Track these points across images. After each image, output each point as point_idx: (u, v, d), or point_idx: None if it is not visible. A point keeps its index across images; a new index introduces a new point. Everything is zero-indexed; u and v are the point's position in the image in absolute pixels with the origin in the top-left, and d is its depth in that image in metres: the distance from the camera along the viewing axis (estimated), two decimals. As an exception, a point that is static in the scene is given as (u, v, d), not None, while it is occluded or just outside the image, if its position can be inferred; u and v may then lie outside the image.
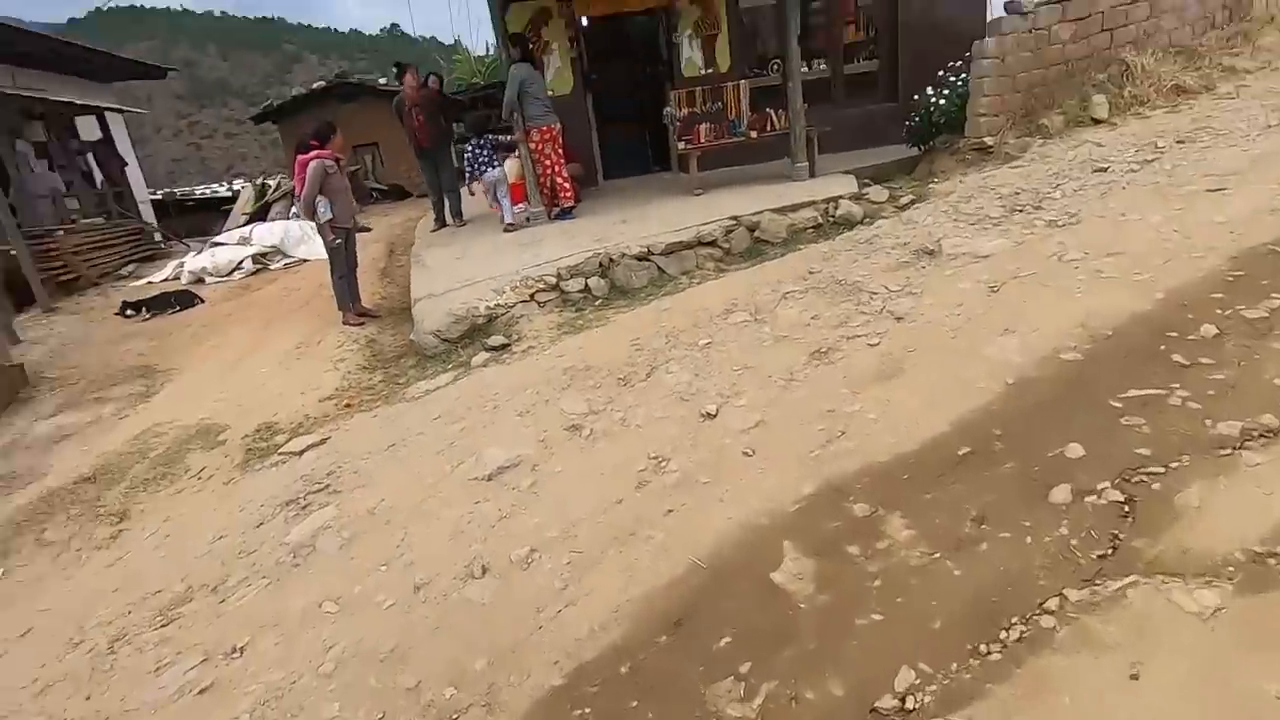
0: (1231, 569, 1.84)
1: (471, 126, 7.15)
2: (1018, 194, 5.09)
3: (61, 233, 8.85)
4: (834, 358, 3.54)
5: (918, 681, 1.81)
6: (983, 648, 1.84)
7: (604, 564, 2.53)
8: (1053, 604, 1.90)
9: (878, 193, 6.15)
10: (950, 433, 2.71)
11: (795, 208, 5.93)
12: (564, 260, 5.49)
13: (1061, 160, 5.59)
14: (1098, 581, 1.93)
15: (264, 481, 3.82)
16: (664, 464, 3.03)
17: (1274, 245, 3.41)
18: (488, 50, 17.56)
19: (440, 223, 7.81)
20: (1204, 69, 6.68)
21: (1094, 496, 2.20)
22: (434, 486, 3.28)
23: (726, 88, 7.07)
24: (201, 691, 2.44)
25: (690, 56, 8.03)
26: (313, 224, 6.28)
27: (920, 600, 2.03)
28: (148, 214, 14.43)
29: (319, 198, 5.79)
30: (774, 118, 6.99)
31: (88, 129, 13.22)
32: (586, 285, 5.36)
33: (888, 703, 1.78)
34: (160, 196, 17.60)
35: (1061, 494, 2.24)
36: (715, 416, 3.28)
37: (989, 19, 7.34)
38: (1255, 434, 2.28)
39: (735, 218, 5.80)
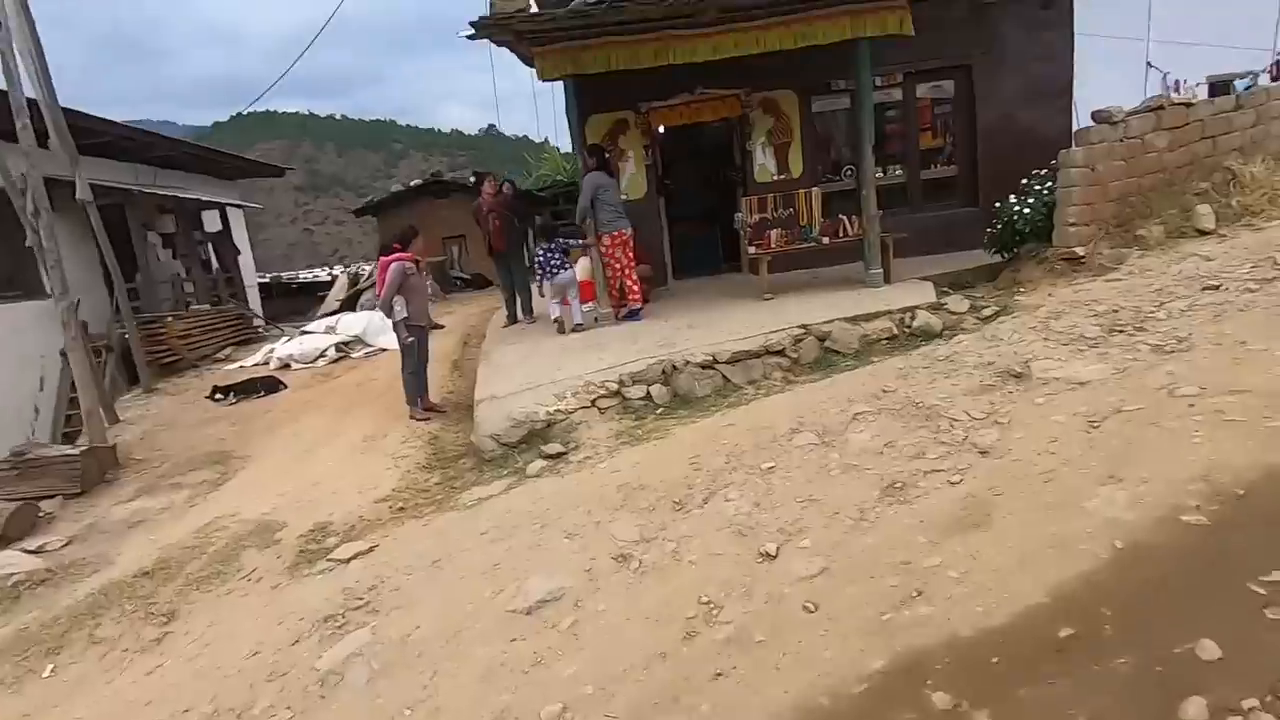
0: None
1: (541, 232, 7.39)
2: (1116, 312, 4.70)
3: (170, 319, 9.59)
4: (909, 495, 3.22)
5: None
6: None
7: (641, 736, 2.25)
8: None
9: (957, 302, 5.86)
10: (1049, 606, 2.33)
11: (869, 317, 5.70)
12: (627, 366, 5.41)
13: (1164, 275, 5.17)
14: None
15: (308, 590, 3.75)
16: (716, 612, 2.76)
17: None
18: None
19: (512, 319, 7.99)
20: (1324, 178, 6.18)
21: (1239, 718, 1.79)
22: (472, 615, 3.10)
23: (798, 194, 7.06)
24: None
25: (763, 163, 8.14)
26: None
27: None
28: (254, 297, 15.63)
29: (396, 297, 6.03)
30: (846, 224, 6.89)
31: (211, 221, 14.65)
32: (649, 392, 5.24)
33: None
34: (267, 280, 19.13)
35: (1196, 709, 1.84)
36: (775, 558, 3.00)
37: (1075, 127, 7.15)
38: None
39: (805, 326, 5.61)
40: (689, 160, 9.16)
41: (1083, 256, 5.94)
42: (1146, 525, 2.56)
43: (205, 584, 4.09)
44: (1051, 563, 2.52)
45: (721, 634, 2.63)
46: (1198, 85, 9.22)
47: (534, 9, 6.37)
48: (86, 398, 6.38)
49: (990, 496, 3.03)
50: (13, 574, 4.49)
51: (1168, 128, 6.13)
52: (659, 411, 5.13)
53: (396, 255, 6.13)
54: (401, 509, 4.61)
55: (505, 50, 6.82)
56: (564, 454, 4.72)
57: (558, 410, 5.10)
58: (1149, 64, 9.06)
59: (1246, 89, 7.75)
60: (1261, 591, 2.15)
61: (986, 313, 5.63)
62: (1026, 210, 6.40)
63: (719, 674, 2.44)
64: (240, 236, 15.97)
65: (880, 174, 7.70)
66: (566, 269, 7.02)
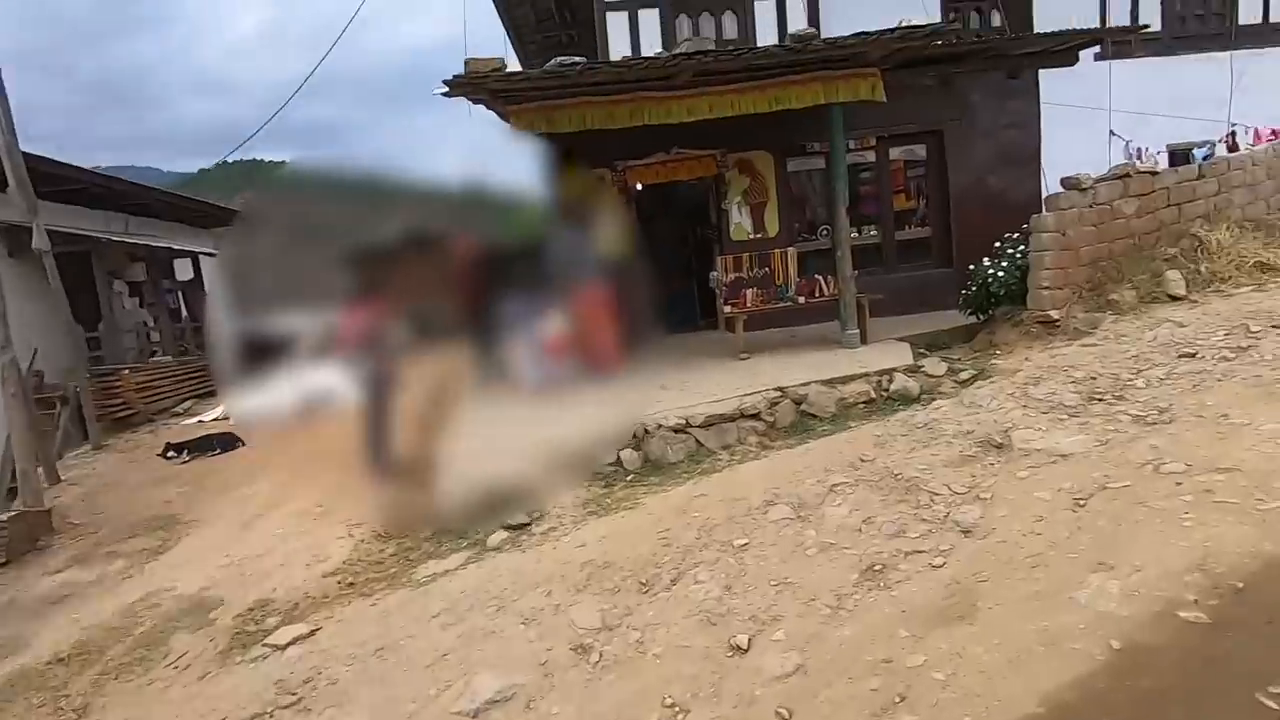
0: None
1: (513, 288, 7.27)
2: (1095, 379, 4.62)
3: (126, 370, 9.23)
4: (889, 579, 3.02)
5: None
6: None
7: None
8: None
9: (935, 365, 5.78)
10: (1043, 718, 2.12)
11: (845, 380, 5.58)
12: (596, 429, 5.20)
13: (1139, 341, 5.13)
14: None
15: (238, 681, 3.41)
16: (681, 717, 2.50)
17: None
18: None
19: (489, 379, 7.78)
20: (1288, 245, 6.28)
21: None
22: (412, 718, 2.80)
23: (774, 253, 7.04)
24: None
25: (739, 222, 8.15)
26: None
27: None
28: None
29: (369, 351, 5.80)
30: (823, 284, 6.86)
31: (183, 270, 14.40)
32: (619, 458, 5.03)
33: None
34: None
35: None
36: (746, 651, 2.76)
37: (1044, 193, 7.26)
38: None
39: (781, 389, 5.48)
40: (666, 217, 9.16)
41: (1057, 320, 5.92)
42: (1143, 622, 2.37)
43: (126, 672, 3.72)
44: (1043, 664, 2.32)
45: (686, 745, 2.37)
46: (1158, 153, 9.49)
47: (516, 65, 6.38)
48: (21, 457, 6.00)
49: (975, 583, 2.84)
50: (-86, 658, 4.07)
51: (1135, 195, 6.22)
52: (629, 478, 4.92)
53: (367, 308, 5.94)
54: (351, 584, 4.29)
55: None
56: (528, 524, 4.47)
57: (522, 476, 4.86)
58: (1112, 132, 9.33)
59: (1205, 158, 7.97)
60: (1273, 705, 1.96)
61: (964, 376, 5.54)
62: (1000, 273, 6.41)
63: (682, 796, 2.18)
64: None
65: (856, 234, 7.73)
66: (539, 327, 6.86)
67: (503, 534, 4.40)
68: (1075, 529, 3.01)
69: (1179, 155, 9.44)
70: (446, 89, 6.00)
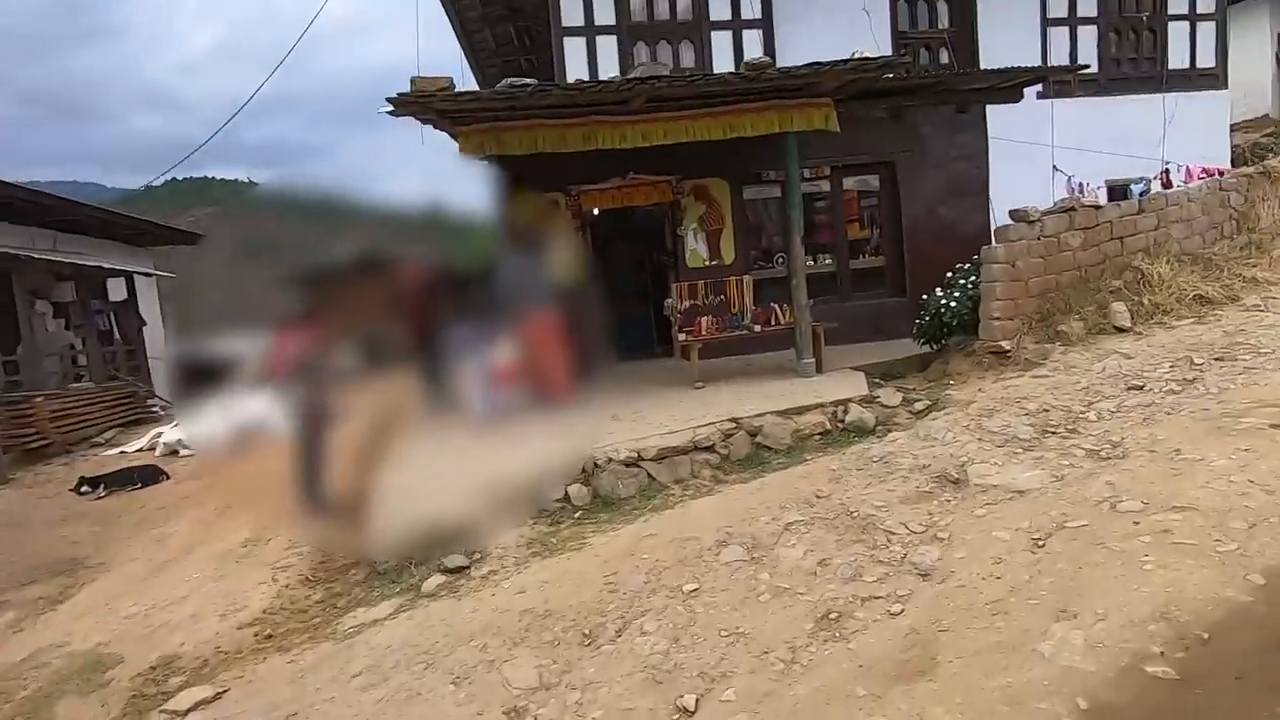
0: None
1: (463, 313, 7.01)
2: (1047, 411, 4.59)
3: (40, 398, 8.58)
4: (846, 629, 2.84)
5: None
6: None
7: None
8: None
9: (890, 395, 5.71)
10: (1010, 791, 1.95)
11: (801, 410, 5.46)
12: (544, 463, 4.95)
13: (1089, 372, 5.16)
14: None
15: (127, 756, 3.02)
16: (620, 794, 2.26)
17: (1382, 510, 2.80)
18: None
19: (434, 409, 7.46)
20: (1224, 279, 6.47)
21: None
22: (320, 800, 2.49)
23: (729, 281, 6.95)
24: None
25: (695, 248, 8.06)
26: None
27: None
28: (159, 373, 14.49)
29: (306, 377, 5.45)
30: (779, 312, 6.78)
31: (116, 290, 13.67)
32: (566, 493, 4.78)
33: None
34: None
35: None
36: (694, 714, 2.53)
37: (994, 225, 7.36)
38: None
39: (736, 420, 5.32)
40: (623, 242, 9.03)
41: (1008, 350, 5.93)
42: (1109, 678, 2.24)
43: (-1, 746, 3.29)
44: (1009, 727, 2.16)
45: (625, 828, 2.13)
46: (1098, 189, 9.81)
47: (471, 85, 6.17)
48: (-92, 496, 5.42)
49: (935, 633, 2.69)
50: None
51: (1080, 228, 6.33)
52: (577, 515, 4.67)
53: (302, 332, 5.60)
54: (269, 636, 3.92)
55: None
56: (466, 567, 4.17)
57: (463, 514, 4.57)
58: (1055, 167, 9.61)
59: (1142, 194, 8.23)
60: (1250, 774, 1.83)
61: (919, 406, 5.48)
62: (953, 303, 6.43)
63: None
64: (150, 306, 14.95)
65: (811, 263, 7.71)
66: (489, 354, 6.61)
67: (439, 578, 4.10)
68: (1035, 572, 2.89)
69: (1117, 190, 9.78)
70: (392, 108, 5.78)
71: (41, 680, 3.77)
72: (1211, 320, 5.84)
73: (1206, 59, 10.70)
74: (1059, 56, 9.99)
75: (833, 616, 2.93)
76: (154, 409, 11.55)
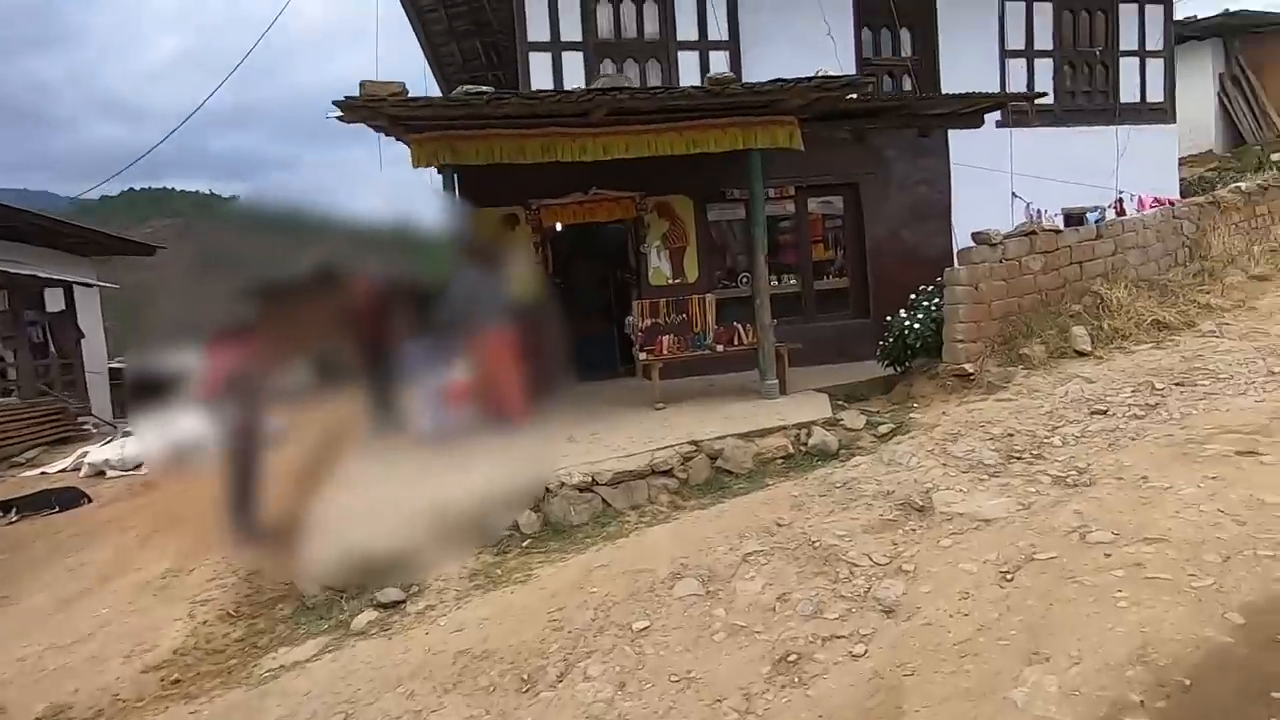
0: None
1: (416, 328, 6.71)
2: (1012, 435, 4.49)
3: (-46, 414, 7.98)
4: (806, 673, 2.62)
5: None
6: None
7: None
8: None
9: (854, 418, 5.57)
10: None
11: (763, 433, 5.28)
12: (493, 488, 4.67)
13: (1052, 396, 5.09)
14: None
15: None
16: None
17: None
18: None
19: (381, 429, 7.10)
20: (1179, 305, 6.53)
21: None
22: None
23: (692, 300, 6.79)
24: None
25: (658, 266, 7.90)
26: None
27: None
28: (101, 387, 13.74)
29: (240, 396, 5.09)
30: (741, 332, 6.63)
31: (54, 300, 12.98)
32: (515, 520, 4.50)
33: None
34: (121, 366, 17.00)
35: None
36: (637, 774, 2.28)
37: (956, 247, 7.36)
38: None
39: (696, 443, 5.11)
40: (585, 259, 8.84)
41: (971, 373, 5.86)
42: (1087, 731, 2.06)
43: None
44: (980, 788, 1.95)
45: None
46: (1055, 215, 9.97)
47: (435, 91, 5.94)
48: None
49: (900, 677, 2.48)
50: None
51: (1040, 252, 6.33)
52: (526, 544, 4.39)
53: (236, 348, 5.24)
54: (176, 681, 3.55)
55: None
56: (402, 602, 3.86)
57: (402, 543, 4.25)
58: (1014, 194, 9.74)
59: (1097, 221, 8.36)
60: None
61: (883, 430, 5.35)
62: (916, 325, 6.35)
63: None
64: (91, 318, 14.22)
65: (775, 283, 7.61)
66: (440, 371, 6.31)
67: (371, 614, 3.78)
68: (1004, 608, 2.72)
69: (1074, 218, 9.94)
70: (340, 113, 5.52)
71: (-93, 735, 3.34)
72: (1170, 345, 5.84)
73: (1156, 94, 11.05)
74: (1017, 86, 10.18)
75: (791, 659, 2.71)
76: (85, 426, 10.89)
